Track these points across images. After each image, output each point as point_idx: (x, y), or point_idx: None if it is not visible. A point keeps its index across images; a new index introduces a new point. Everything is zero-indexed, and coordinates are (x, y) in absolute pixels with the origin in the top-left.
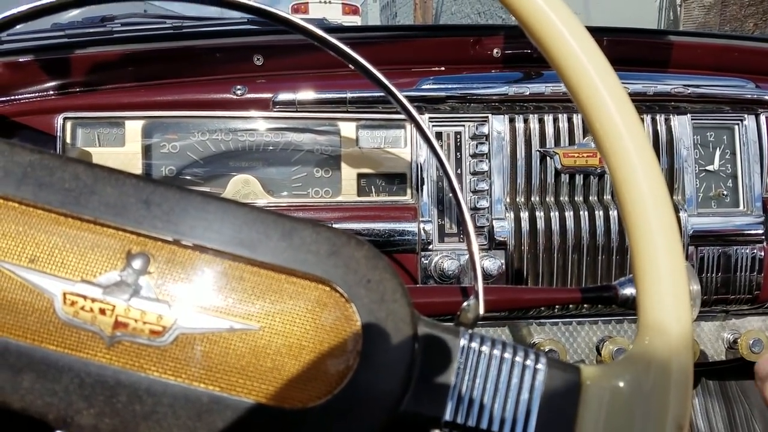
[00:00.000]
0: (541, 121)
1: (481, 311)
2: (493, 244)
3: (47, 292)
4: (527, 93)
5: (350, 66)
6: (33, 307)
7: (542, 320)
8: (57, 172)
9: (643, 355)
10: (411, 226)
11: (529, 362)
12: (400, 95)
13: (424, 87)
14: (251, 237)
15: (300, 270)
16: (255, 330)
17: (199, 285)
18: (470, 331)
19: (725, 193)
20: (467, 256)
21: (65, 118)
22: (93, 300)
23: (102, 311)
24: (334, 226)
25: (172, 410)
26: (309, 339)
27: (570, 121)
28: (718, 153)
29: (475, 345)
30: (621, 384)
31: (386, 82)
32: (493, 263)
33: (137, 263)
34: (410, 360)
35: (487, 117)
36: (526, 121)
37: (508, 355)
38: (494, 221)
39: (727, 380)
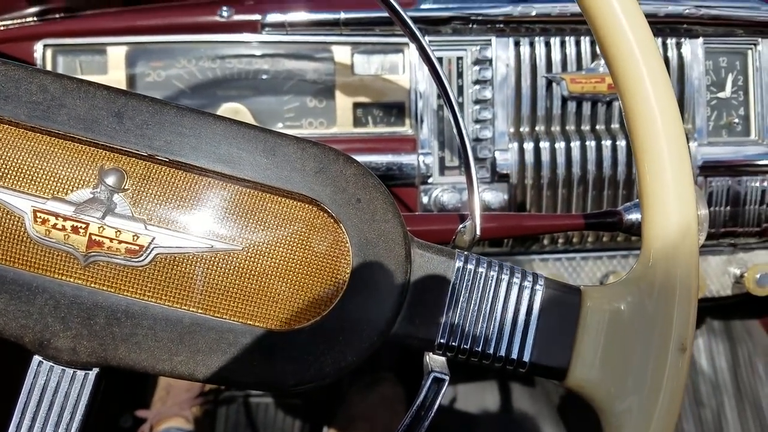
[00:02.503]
0: (547, 45)
1: (478, 232)
2: (495, 176)
3: (17, 209)
4: (533, 13)
5: None
6: (2, 226)
7: (545, 255)
8: (23, 83)
9: (646, 275)
10: (410, 159)
11: (526, 283)
12: (400, 9)
13: (424, 7)
14: (231, 152)
15: (284, 188)
16: (238, 250)
17: (177, 203)
18: (466, 252)
19: (737, 121)
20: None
21: (45, 45)
22: (65, 218)
23: (75, 229)
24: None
25: (152, 332)
26: (296, 260)
27: (578, 44)
28: (730, 79)
29: (471, 266)
30: (622, 306)
31: None
32: (496, 196)
33: (111, 179)
34: (402, 282)
35: (491, 40)
36: (531, 44)
37: (505, 276)
38: (497, 152)
39: (732, 319)
